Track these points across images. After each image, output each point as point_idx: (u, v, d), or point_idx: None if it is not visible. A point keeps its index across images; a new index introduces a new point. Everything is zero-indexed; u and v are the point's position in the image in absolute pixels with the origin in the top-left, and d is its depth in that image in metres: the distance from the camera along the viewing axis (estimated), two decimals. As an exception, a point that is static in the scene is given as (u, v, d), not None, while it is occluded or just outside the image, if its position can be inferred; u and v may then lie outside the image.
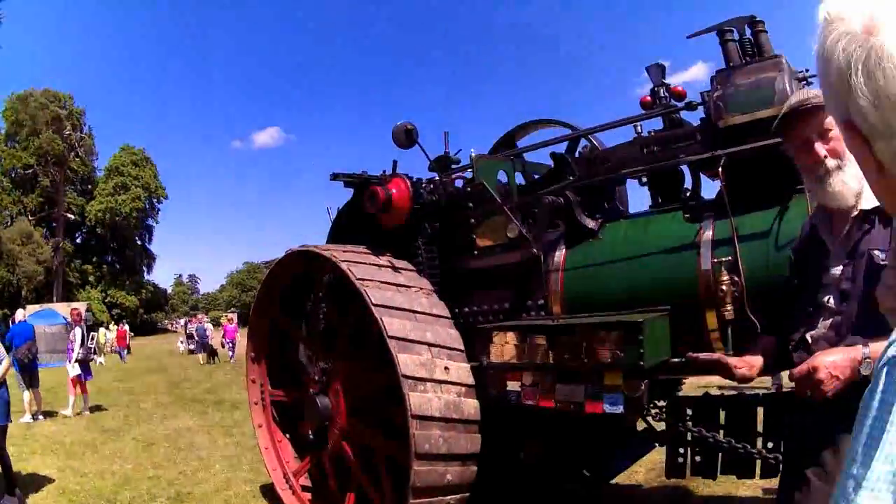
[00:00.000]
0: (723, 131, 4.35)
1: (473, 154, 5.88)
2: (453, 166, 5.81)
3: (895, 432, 0.89)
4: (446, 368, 4.84)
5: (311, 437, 5.71)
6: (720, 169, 4.28)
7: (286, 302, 6.41)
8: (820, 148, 2.97)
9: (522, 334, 4.48)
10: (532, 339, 4.43)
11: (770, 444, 4.54)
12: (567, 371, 4.27)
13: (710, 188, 4.98)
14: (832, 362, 2.73)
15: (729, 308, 4.13)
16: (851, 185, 2.95)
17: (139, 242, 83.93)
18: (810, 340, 3.04)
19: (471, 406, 4.87)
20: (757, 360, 3.29)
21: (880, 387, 0.94)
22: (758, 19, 4.59)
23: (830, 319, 3.00)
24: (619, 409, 4.03)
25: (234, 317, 39.48)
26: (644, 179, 5.26)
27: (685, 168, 4.98)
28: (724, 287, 4.14)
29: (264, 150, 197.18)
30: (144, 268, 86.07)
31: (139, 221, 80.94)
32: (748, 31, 4.62)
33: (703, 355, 3.29)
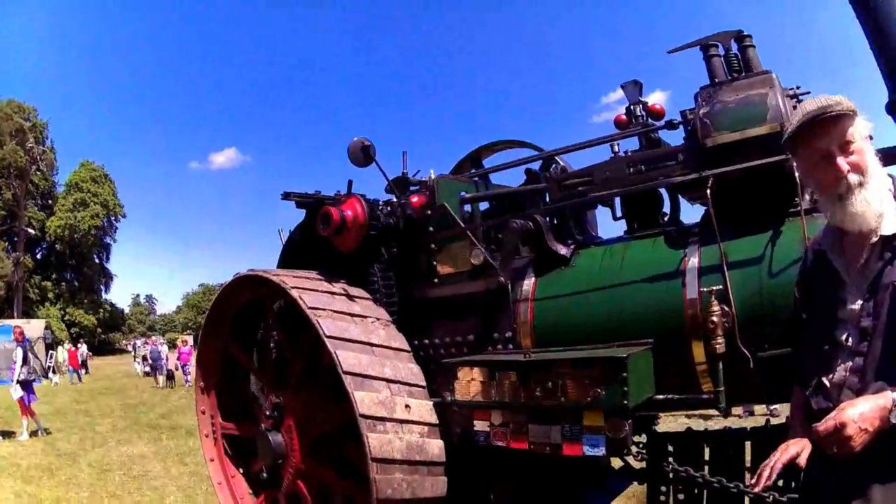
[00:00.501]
0: (710, 151, 4.01)
1: (433, 174, 5.49)
2: (412, 188, 5.36)
3: None
4: (407, 406, 4.40)
5: (265, 475, 5.19)
6: (708, 191, 3.93)
7: (237, 329, 5.86)
8: (842, 161, 2.61)
9: (491, 370, 4.07)
10: (502, 375, 4.02)
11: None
12: (541, 410, 3.87)
13: (689, 212, 4.75)
14: (860, 415, 2.39)
15: (720, 341, 3.76)
16: (874, 205, 2.61)
17: (97, 261, 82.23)
18: (828, 385, 2.71)
19: (435, 447, 4.44)
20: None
21: None
22: (745, 34, 4.31)
23: (850, 361, 2.65)
24: (601, 451, 3.65)
25: (190, 339, 38.46)
26: (618, 213, 4.92)
27: (662, 191, 4.65)
28: (714, 318, 3.77)
29: (222, 172, 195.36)
30: (102, 287, 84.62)
31: (97, 239, 79.42)
32: (734, 47, 4.33)
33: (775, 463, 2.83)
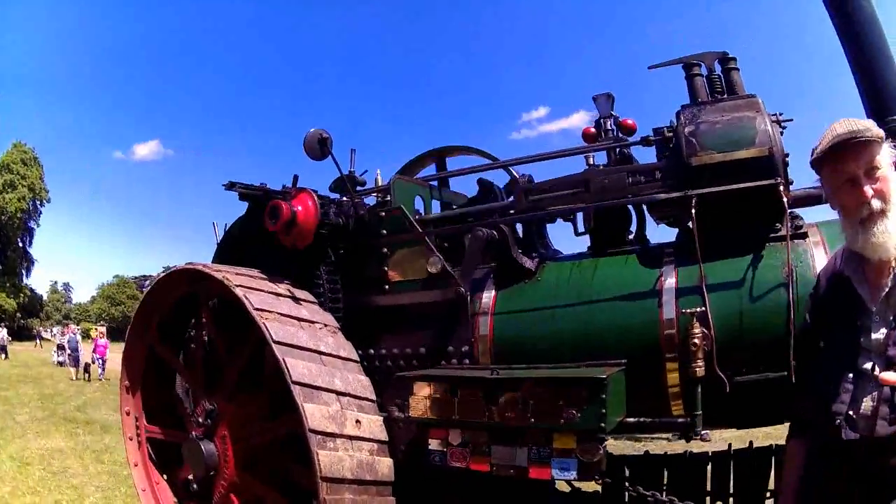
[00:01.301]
0: (693, 170, 3.82)
1: (379, 175, 5.25)
2: (359, 188, 5.02)
3: None
4: (358, 422, 4.06)
5: (194, 487, 4.73)
6: (693, 211, 3.72)
7: (167, 326, 5.32)
8: (867, 187, 2.57)
9: (452, 386, 3.74)
10: (465, 392, 3.69)
11: None
12: (506, 431, 3.57)
13: (657, 232, 4.53)
14: None
15: (700, 363, 3.58)
16: (894, 234, 2.54)
17: (20, 244, 79.12)
18: (855, 417, 2.59)
19: (385, 465, 4.10)
20: None
21: None
22: (730, 56, 4.18)
23: (877, 391, 2.54)
24: (572, 475, 3.41)
25: (104, 330, 36.84)
26: (581, 228, 4.66)
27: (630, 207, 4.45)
28: (695, 340, 3.59)
29: (143, 164, 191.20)
30: (24, 271, 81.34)
31: (22, 222, 76.40)
32: (717, 68, 4.20)
33: None
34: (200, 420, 4.64)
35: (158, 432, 5.33)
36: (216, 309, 4.96)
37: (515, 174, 5.18)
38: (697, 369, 3.56)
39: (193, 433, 4.65)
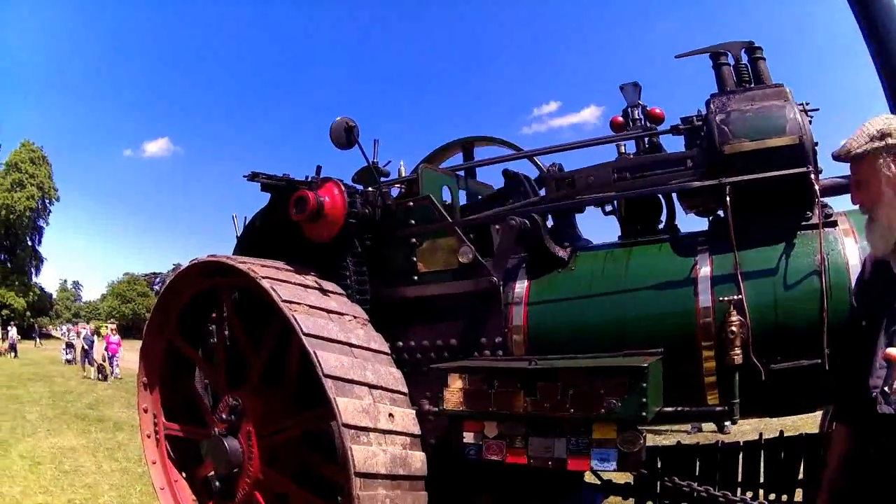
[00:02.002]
0: (726, 158, 3.78)
1: (402, 166, 5.14)
2: (382, 178, 4.84)
3: None
4: (391, 415, 3.98)
5: (217, 485, 4.56)
6: (728, 199, 3.68)
7: (186, 321, 5.18)
8: (855, 195, 2.94)
9: (488, 377, 3.66)
10: (502, 383, 3.61)
11: (750, 495, 4.18)
12: (543, 422, 3.50)
13: (686, 221, 4.44)
14: None
15: (737, 351, 3.56)
16: (877, 237, 2.84)
17: (30, 243, 78.95)
18: (889, 392, 2.67)
19: (417, 459, 4.02)
20: None
21: None
22: (756, 45, 4.16)
23: None
24: (612, 466, 3.35)
25: (115, 327, 36.36)
26: (609, 207, 4.61)
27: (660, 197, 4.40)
28: (733, 328, 3.57)
29: (153, 161, 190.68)
30: (33, 270, 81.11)
31: (31, 221, 76.24)
32: (744, 57, 4.18)
33: None
34: (224, 416, 4.52)
35: (178, 429, 5.22)
36: (240, 303, 4.86)
37: (540, 165, 5.14)
38: (735, 357, 3.53)
39: (216, 430, 4.54)
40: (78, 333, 34.16)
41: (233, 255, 5.09)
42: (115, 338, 30.37)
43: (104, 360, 29.40)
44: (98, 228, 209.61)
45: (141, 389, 5.20)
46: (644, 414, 3.22)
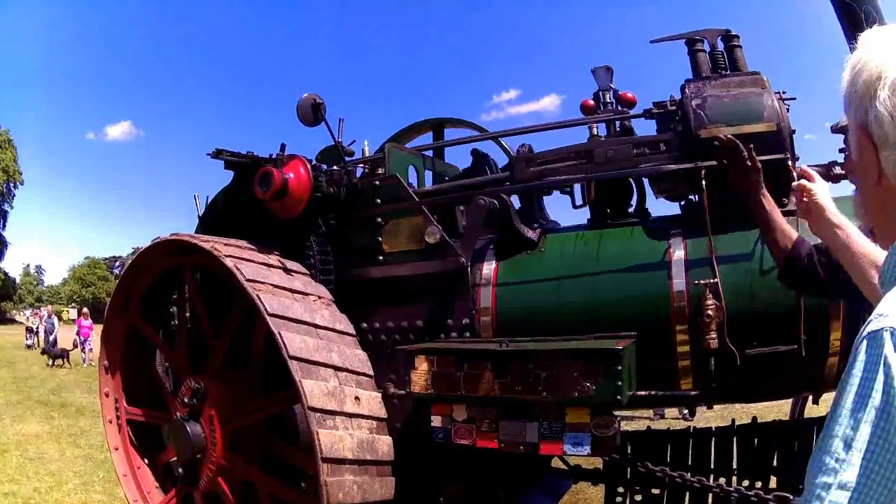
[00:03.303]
0: (702, 142, 3.61)
1: (366, 146, 4.87)
2: (347, 158, 4.57)
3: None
4: (357, 398, 3.74)
5: (180, 471, 4.29)
6: (703, 182, 3.53)
7: (149, 303, 4.87)
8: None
9: (457, 360, 3.45)
10: (472, 365, 3.40)
11: (723, 481, 3.99)
12: (514, 405, 3.33)
13: (656, 205, 4.36)
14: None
15: (713, 335, 3.39)
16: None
17: (-7, 227, 76.64)
18: None
19: (384, 444, 3.79)
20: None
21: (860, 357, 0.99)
22: (733, 33, 4.02)
23: None
24: (585, 451, 3.18)
25: (87, 311, 34.98)
26: (579, 201, 4.40)
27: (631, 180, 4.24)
28: (709, 312, 3.40)
29: (116, 144, 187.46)
30: (-4, 254, 78.62)
31: (-4, 205, 74.01)
32: (720, 45, 4.02)
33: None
34: (185, 400, 4.25)
35: (140, 414, 4.93)
36: (203, 283, 4.59)
37: (507, 147, 4.97)
38: (711, 341, 3.38)
39: (178, 414, 4.27)
40: (40, 318, 32.86)
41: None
42: (87, 322, 29.14)
43: (75, 346, 28.10)
44: (61, 212, 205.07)
45: (102, 373, 4.91)
46: (619, 398, 3.06)
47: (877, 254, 1.99)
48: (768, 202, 2.92)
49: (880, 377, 0.95)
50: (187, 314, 4.84)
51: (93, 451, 9.89)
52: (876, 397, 0.94)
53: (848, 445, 0.94)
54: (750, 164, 2.99)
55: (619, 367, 3.04)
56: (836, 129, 2.79)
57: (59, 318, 34.77)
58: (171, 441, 4.36)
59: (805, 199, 2.36)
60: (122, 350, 4.89)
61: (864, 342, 1.00)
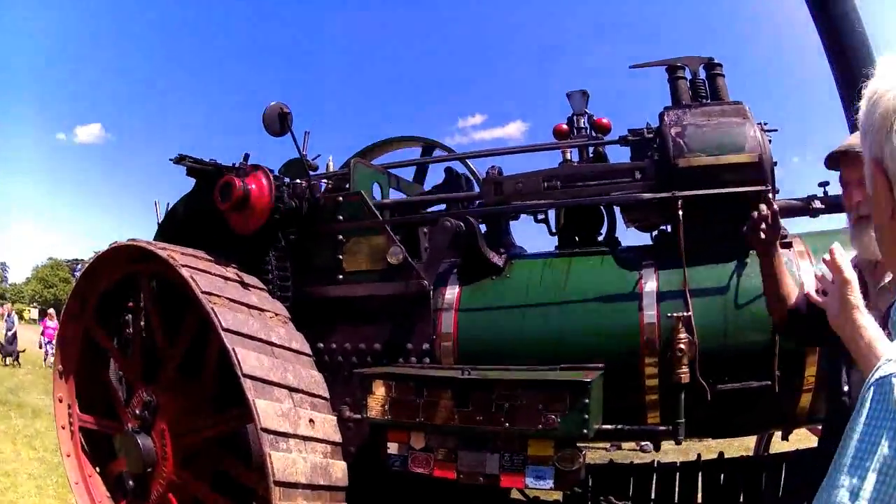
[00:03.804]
0: (680, 171, 3.44)
1: (331, 161, 4.69)
2: (312, 173, 4.35)
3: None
4: (311, 421, 3.50)
5: (130, 484, 4.08)
6: (680, 212, 3.35)
7: (105, 308, 4.56)
8: (856, 193, 2.58)
9: (417, 386, 3.24)
10: (432, 392, 3.19)
11: None
12: (475, 436, 3.12)
13: (625, 235, 4.11)
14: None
15: (685, 370, 3.20)
16: (869, 241, 2.49)
17: (-41, 225, 75.19)
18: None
19: (339, 469, 3.55)
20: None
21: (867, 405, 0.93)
22: (716, 62, 3.86)
23: None
24: (548, 484, 3.01)
25: (54, 312, 33.80)
26: (541, 215, 4.17)
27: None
28: (681, 345, 3.20)
29: (85, 146, 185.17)
30: (-39, 251, 77.09)
31: (-38, 201, 72.64)
32: (702, 73, 3.87)
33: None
34: (137, 412, 3.98)
35: (92, 422, 4.62)
36: (159, 292, 4.31)
37: (474, 169, 4.76)
38: (682, 376, 3.19)
39: (129, 426, 4.01)
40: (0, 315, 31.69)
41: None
42: (53, 323, 28.21)
43: (40, 346, 27.21)
44: (29, 211, 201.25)
45: (56, 378, 4.60)
46: (585, 431, 2.88)
47: None
48: (778, 258, 2.77)
49: (888, 425, 0.88)
50: (142, 322, 4.54)
51: (48, 455, 9.45)
52: (884, 446, 0.87)
53: (855, 495, 0.87)
54: (773, 226, 2.80)
55: (587, 400, 2.86)
56: (830, 160, 2.66)
57: (21, 318, 33.68)
58: (123, 453, 4.11)
59: (840, 292, 2.15)
60: (76, 355, 4.58)
61: (872, 389, 0.93)
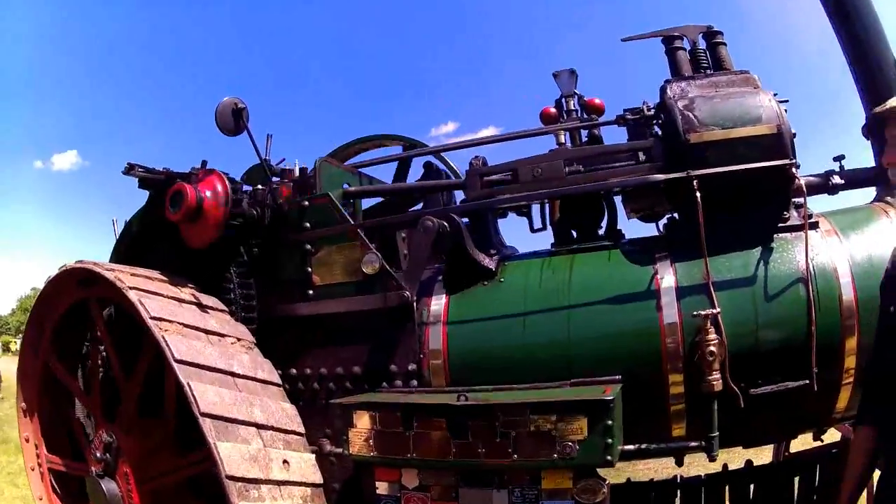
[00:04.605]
0: (692, 148, 2.91)
1: (297, 165, 3.97)
2: (275, 178, 3.70)
3: None
4: (285, 462, 2.88)
5: None
6: (697, 194, 2.80)
7: (64, 338, 3.93)
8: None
9: (405, 416, 2.64)
10: (422, 422, 2.61)
11: None
12: (477, 471, 2.55)
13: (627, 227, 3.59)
14: None
15: (716, 376, 2.68)
16: None
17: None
18: None
19: None
20: None
21: None
22: (716, 30, 3.38)
23: None
24: None
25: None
26: (537, 224, 3.72)
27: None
28: (711, 348, 2.67)
29: (62, 174, 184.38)
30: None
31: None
32: (702, 42, 3.38)
33: None
34: (98, 454, 3.40)
35: (59, 463, 3.99)
36: (113, 319, 3.72)
37: (452, 164, 4.31)
38: (714, 383, 2.66)
39: (93, 469, 3.42)
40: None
41: (110, 262, 3.98)
42: None
43: None
44: (9, 240, 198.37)
45: (21, 416, 3.98)
46: (609, 458, 2.34)
47: None
48: None
49: None
50: (103, 353, 3.92)
51: (30, 493, 9.01)
52: None
53: None
54: None
55: (610, 422, 2.32)
56: (875, 122, 2.28)
57: (7, 349, 32.84)
58: (91, 498, 3.52)
59: None
60: (38, 391, 3.95)
61: None
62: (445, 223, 3.18)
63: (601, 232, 3.44)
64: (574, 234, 3.44)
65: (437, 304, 3.22)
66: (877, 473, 2.43)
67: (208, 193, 3.26)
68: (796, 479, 3.33)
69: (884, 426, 2.32)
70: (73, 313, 3.83)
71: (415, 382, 3.15)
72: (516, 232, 3.87)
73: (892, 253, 2.49)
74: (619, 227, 3.44)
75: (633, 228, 3.49)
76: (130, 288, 3.04)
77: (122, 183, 3.65)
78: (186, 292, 3.32)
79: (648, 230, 3.47)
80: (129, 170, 3.48)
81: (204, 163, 3.47)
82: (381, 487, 2.69)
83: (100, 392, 3.73)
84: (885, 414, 2.29)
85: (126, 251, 3.90)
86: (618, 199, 3.44)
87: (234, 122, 3.24)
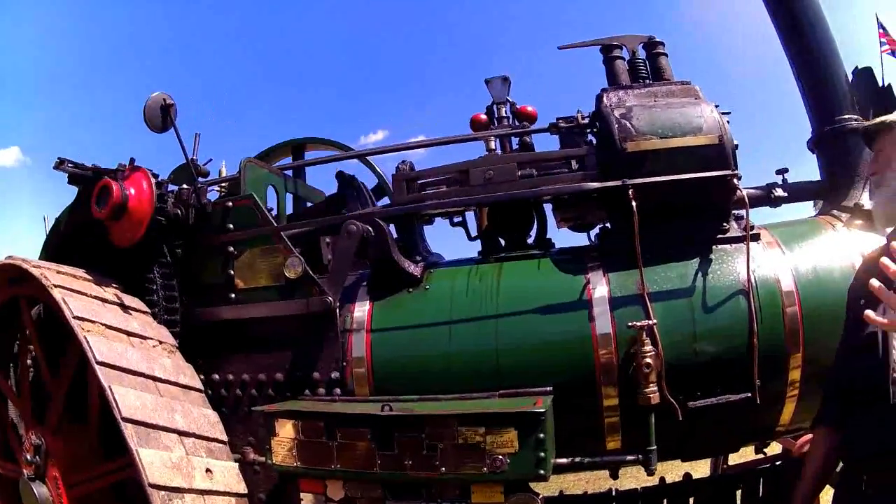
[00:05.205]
0: (628, 157, 2.80)
1: (224, 166, 3.99)
2: (201, 179, 3.50)
3: None
4: (208, 471, 2.67)
5: None
6: (633, 203, 2.71)
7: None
8: (871, 165, 2.39)
9: (328, 425, 2.47)
10: (346, 432, 2.43)
11: None
12: (404, 484, 2.39)
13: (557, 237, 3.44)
14: None
15: (653, 388, 2.57)
16: (882, 209, 2.27)
17: None
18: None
19: None
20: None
21: None
22: (657, 40, 3.27)
23: None
24: None
25: None
26: (457, 218, 3.53)
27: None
28: (648, 360, 2.56)
29: (4, 170, 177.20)
30: None
31: None
32: (642, 52, 3.26)
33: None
34: (29, 457, 3.19)
35: None
36: (42, 318, 3.46)
37: (376, 167, 4.23)
38: (651, 396, 2.54)
39: (25, 471, 3.20)
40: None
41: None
42: None
43: None
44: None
45: None
46: (542, 472, 2.20)
47: None
48: None
49: None
50: (32, 353, 3.63)
51: None
52: None
53: None
54: None
55: (543, 435, 2.18)
56: (867, 134, 2.34)
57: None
58: (24, 501, 3.27)
59: None
60: None
61: None
62: (370, 228, 3.02)
63: (530, 241, 3.30)
64: (502, 242, 3.28)
65: (361, 310, 3.05)
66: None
67: (133, 191, 3.04)
68: (738, 493, 3.20)
69: (844, 428, 2.24)
70: (4, 312, 3.55)
71: (338, 391, 2.96)
72: (444, 241, 3.71)
73: (863, 260, 2.43)
74: (548, 237, 3.31)
75: (563, 238, 3.34)
76: (55, 286, 2.81)
77: (62, 181, 3.43)
78: (110, 292, 3.08)
79: (580, 240, 3.36)
80: (59, 164, 3.25)
81: (132, 160, 3.26)
82: (306, 499, 2.51)
83: (31, 394, 3.47)
84: (845, 416, 2.22)
85: (54, 249, 3.62)
86: (548, 208, 3.30)
87: (161, 118, 3.04)
